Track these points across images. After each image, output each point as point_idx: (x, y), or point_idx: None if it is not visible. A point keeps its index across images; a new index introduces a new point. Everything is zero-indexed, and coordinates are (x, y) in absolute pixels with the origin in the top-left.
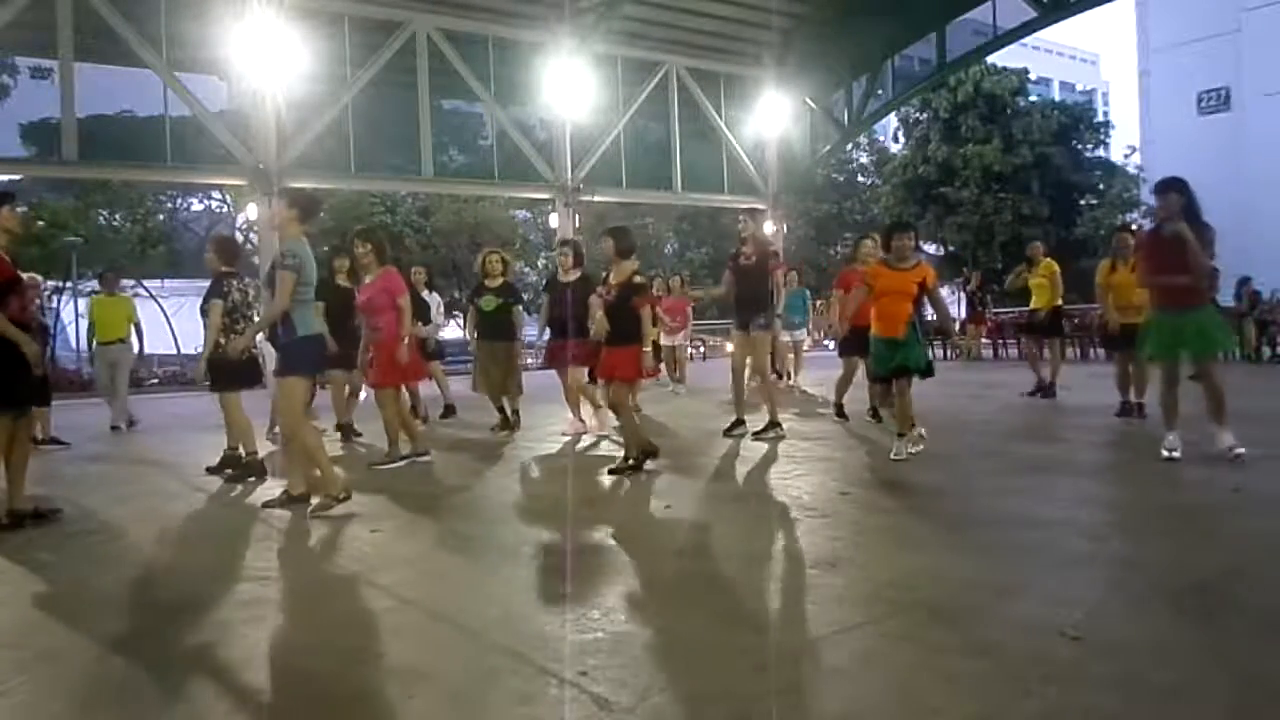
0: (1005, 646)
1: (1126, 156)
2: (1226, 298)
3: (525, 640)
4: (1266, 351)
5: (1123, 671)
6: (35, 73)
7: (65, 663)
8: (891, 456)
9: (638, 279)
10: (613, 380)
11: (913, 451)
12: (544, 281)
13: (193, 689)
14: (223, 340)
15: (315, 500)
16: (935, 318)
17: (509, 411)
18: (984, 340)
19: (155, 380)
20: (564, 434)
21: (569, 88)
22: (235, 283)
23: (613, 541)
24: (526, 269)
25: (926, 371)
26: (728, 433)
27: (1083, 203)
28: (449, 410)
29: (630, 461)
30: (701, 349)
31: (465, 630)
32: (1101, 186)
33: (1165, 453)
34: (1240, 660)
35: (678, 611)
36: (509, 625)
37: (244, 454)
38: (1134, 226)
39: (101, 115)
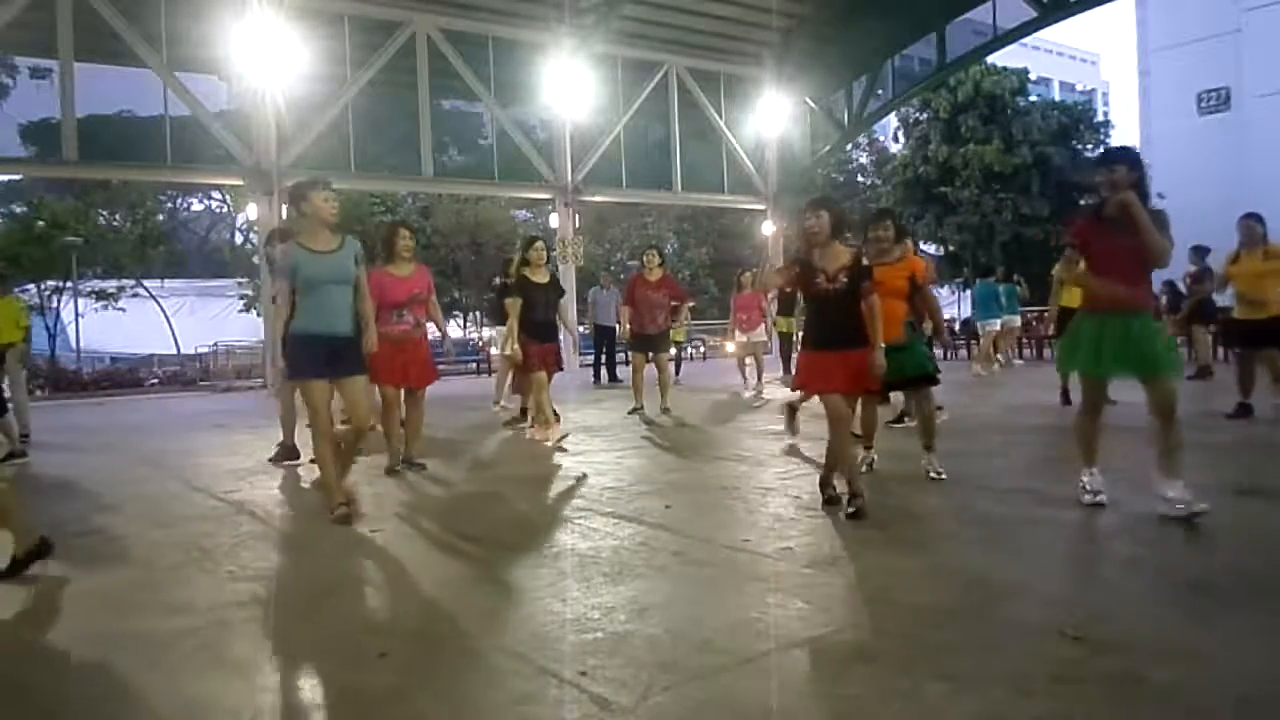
0: (1005, 646)
1: None
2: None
3: (525, 640)
4: None
5: (1123, 671)
6: (35, 73)
7: (63, 663)
8: (933, 475)
9: (863, 261)
10: (850, 395)
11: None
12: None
13: (193, 689)
14: None
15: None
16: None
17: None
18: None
19: (155, 380)
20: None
21: (569, 88)
22: None
23: (613, 541)
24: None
25: (931, 378)
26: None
27: (1083, 203)
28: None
29: (855, 505)
30: (702, 348)
31: (466, 630)
32: None
33: (1087, 498)
34: (1241, 660)
35: (678, 612)
36: (509, 625)
37: None
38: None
39: (101, 115)
